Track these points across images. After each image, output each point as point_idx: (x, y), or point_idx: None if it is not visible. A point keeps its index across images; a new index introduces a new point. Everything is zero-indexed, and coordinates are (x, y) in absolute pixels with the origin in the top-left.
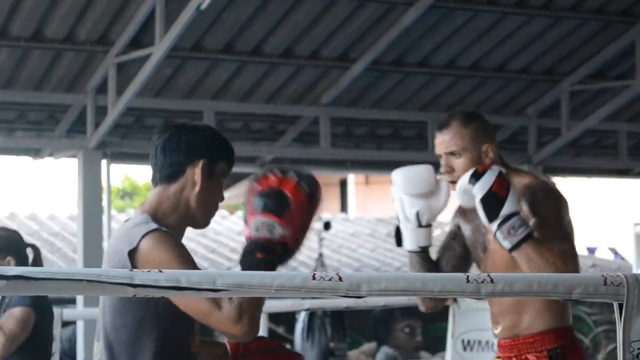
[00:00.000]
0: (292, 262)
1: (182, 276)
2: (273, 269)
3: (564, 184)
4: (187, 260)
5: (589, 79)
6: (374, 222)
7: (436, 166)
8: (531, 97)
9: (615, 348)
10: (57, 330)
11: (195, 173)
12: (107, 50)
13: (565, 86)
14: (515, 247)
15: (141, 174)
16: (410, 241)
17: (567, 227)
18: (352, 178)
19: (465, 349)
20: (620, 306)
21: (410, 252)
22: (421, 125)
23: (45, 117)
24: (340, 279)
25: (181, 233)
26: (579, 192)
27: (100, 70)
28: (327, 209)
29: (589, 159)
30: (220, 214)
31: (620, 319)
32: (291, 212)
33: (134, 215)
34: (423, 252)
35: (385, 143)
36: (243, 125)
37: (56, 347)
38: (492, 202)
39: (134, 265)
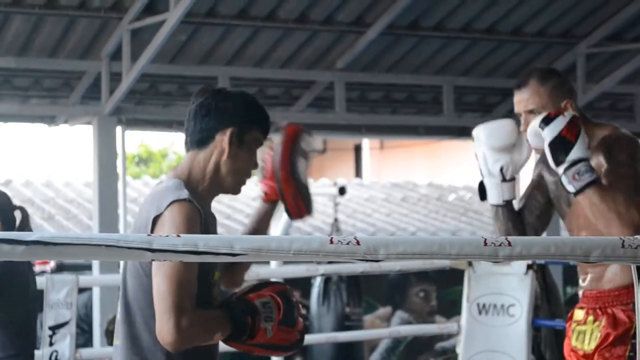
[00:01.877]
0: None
1: (200, 241)
2: (238, 330)
3: None
4: None
5: (605, 41)
6: (389, 186)
7: (447, 130)
8: (547, 61)
9: None
10: (73, 297)
11: (224, 140)
12: (121, 16)
13: (581, 49)
14: (579, 192)
15: (156, 140)
16: (496, 195)
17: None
18: (366, 143)
19: (480, 312)
20: (638, 269)
21: (494, 205)
22: (436, 90)
23: (60, 84)
24: (358, 242)
25: (211, 199)
26: None
27: (115, 36)
28: (342, 174)
29: (605, 121)
30: None
31: (638, 282)
32: (282, 330)
33: (166, 179)
34: (507, 205)
35: (400, 107)
36: (258, 91)
37: (72, 314)
38: (560, 146)
39: (153, 230)
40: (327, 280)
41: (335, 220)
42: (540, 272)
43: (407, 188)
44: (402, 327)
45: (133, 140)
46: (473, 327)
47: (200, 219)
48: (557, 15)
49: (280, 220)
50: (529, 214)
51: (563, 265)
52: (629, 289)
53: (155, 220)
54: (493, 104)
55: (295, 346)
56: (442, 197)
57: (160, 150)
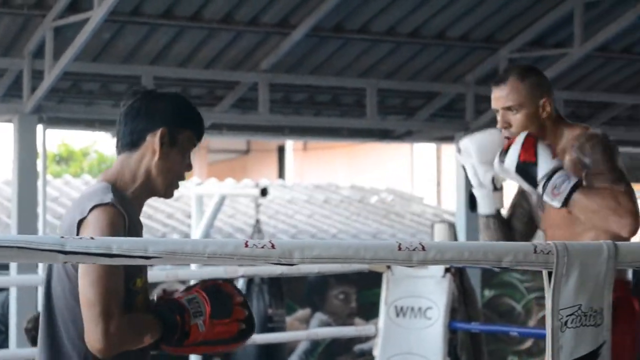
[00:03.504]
0: (228, 228)
1: (114, 243)
2: (170, 331)
3: None
4: None
5: (528, 46)
6: (311, 188)
7: (370, 132)
8: (470, 65)
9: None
10: None
11: (155, 141)
12: (45, 14)
13: (503, 54)
14: (565, 203)
15: (77, 139)
16: (488, 205)
17: (619, 170)
18: (290, 144)
19: (398, 315)
20: (550, 274)
21: (485, 216)
22: (360, 92)
23: None
24: (273, 246)
25: (142, 202)
26: None
27: (38, 34)
28: (264, 175)
29: (575, 122)
30: None
31: (549, 287)
32: (216, 323)
33: (95, 182)
34: (498, 214)
35: (324, 109)
36: (181, 91)
37: None
38: (526, 172)
39: (77, 233)
40: (250, 281)
41: (257, 221)
42: (458, 275)
43: (330, 190)
44: (320, 329)
45: (54, 139)
46: (390, 329)
47: (124, 224)
48: (481, 20)
49: (200, 222)
50: (517, 221)
51: (481, 269)
52: None
53: (79, 224)
54: (416, 107)
55: (242, 337)
56: (364, 200)
57: (82, 149)
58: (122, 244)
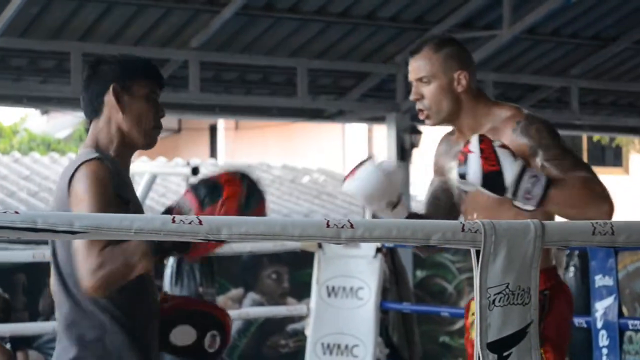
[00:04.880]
0: (159, 207)
1: (39, 218)
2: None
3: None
4: (101, 196)
5: (457, 28)
6: (243, 168)
7: (301, 112)
8: (400, 45)
9: None
10: None
11: (111, 99)
12: None
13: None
14: (539, 205)
15: (6, 115)
16: (401, 217)
17: (572, 153)
18: (221, 123)
19: (329, 295)
20: (478, 253)
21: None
22: (291, 71)
23: None
24: (200, 222)
25: (127, 160)
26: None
27: None
28: (196, 154)
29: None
30: (53, 157)
31: (477, 266)
32: (213, 210)
33: (79, 149)
34: (411, 215)
35: (255, 88)
36: None
37: None
38: (492, 182)
39: (69, 194)
40: (180, 260)
41: None
42: (389, 255)
43: (261, 169)
44: (252, 309)
45: None
46: (322, 309)
47: (110, 176)
48: (411, 1)
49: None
50: (436, 215)
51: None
52: (542, 275)
53: (69, 184)
54: (347, 87)
55: (249, 202)
56: (296, 179)
57: (11, 126)
58: (47, 218)
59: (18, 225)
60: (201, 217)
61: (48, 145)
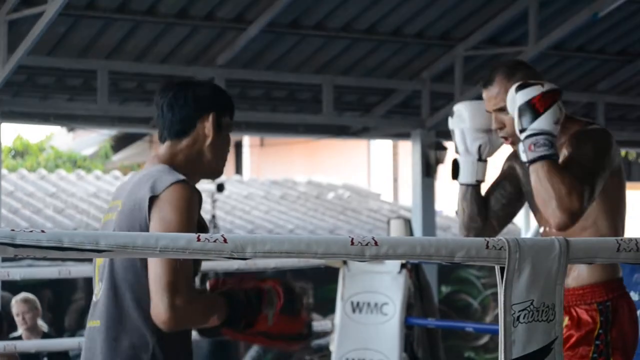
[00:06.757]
0: None
1: (65, 237)
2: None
3: None
4: (189, 223)
5: (483, 44)
6: (268, 184)
7: (326, 129)
8: (425, 62)
9: None
10: None
11: (206, 126)
12: None
13: (459, 51)
14: (530, 162)
15: (33, 133)
16: (469, 174)
17: (599, 168)
18: (247, 140)
19: (354, 310)
20: (502, 269)
21: (464, 184)
22: (316, 88)
23: None
24: (225, 240)
25: (195, 184)
26: None
27: None
28: None
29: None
30: (79, 174)
31: (502, 282)
32: (283, 319)
33: (149, 165)
34: (477, 186)
35: (281, 105)
36: (137, 86)
37: None
38: (527, 114)
39: (150, 211)
40: (204, 277)
41: (213, 216)
42: (414, 271)
43: (286, 186)
44: None
45: (9, 133)
46: (347, 325)
47: (200, 202)
48: (436, 17)
49: None
50: (495, 202)
51: (438, 265)
52: (593, 287)
53: (151, 200)
54: (372, 103)
55: (300, 337)
56: (321, 195)
57: (37, 144)
58: (73, 237)
59: (44, 244)
60: (226, 235)
61: (74, 163)
